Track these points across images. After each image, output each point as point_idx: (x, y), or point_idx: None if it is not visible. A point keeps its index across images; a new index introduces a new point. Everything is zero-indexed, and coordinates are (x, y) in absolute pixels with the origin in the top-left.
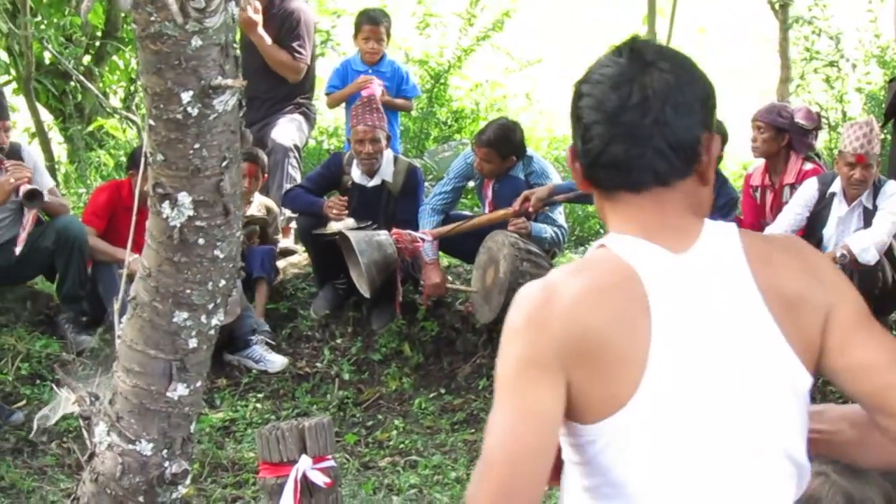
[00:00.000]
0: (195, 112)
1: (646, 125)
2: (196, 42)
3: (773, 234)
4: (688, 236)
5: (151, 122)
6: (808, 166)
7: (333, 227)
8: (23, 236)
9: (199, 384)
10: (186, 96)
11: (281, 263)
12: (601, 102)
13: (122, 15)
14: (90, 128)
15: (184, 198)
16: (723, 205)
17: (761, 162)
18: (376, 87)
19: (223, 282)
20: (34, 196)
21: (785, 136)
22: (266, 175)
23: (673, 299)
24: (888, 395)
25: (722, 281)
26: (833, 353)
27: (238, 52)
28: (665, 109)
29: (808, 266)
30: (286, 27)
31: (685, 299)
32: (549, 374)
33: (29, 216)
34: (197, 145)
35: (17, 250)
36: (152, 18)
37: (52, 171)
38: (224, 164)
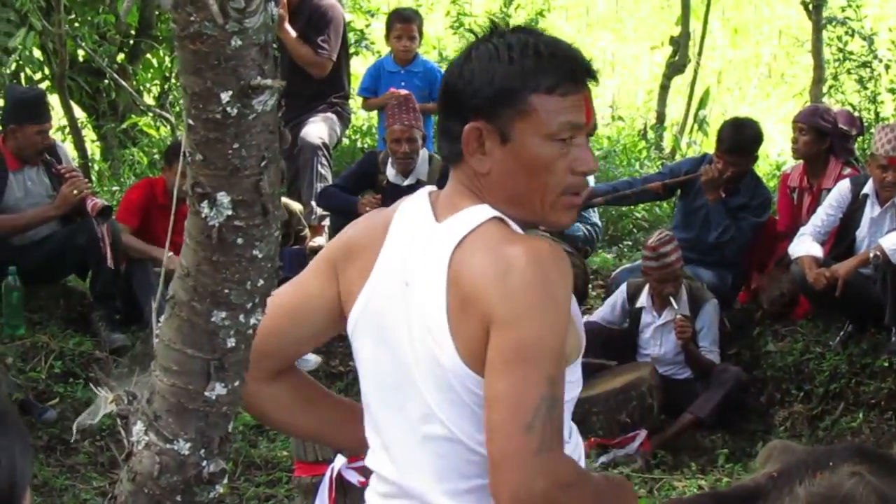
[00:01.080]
0: (234, 112)
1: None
2: (235, 42)
3: (511, 237)
4: (450, 211)
5: (190, 121)
6: (847, 171)
7: None
8: (108, 252)
9: (237, 384)
10: (226, 96)
11: None
12: None
13: (156, 13)
14: (124, 125)
15: (223, 197)
16: (757, 205)
17: (797, 162)
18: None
19: (261, 281)
20: (105, 212)
21: (826, 140)
22: (284, 177)
23: (397, 245)
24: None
25: (431, 254)
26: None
27: (277, 52)
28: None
29: (503, 277)
30: (313, 22)
31: (403, 250)
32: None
33: (102, 230)
34: (236, 145)
35: (110, 264)
36: (192, 18)
37: (86, 168)
38: (263, 163)
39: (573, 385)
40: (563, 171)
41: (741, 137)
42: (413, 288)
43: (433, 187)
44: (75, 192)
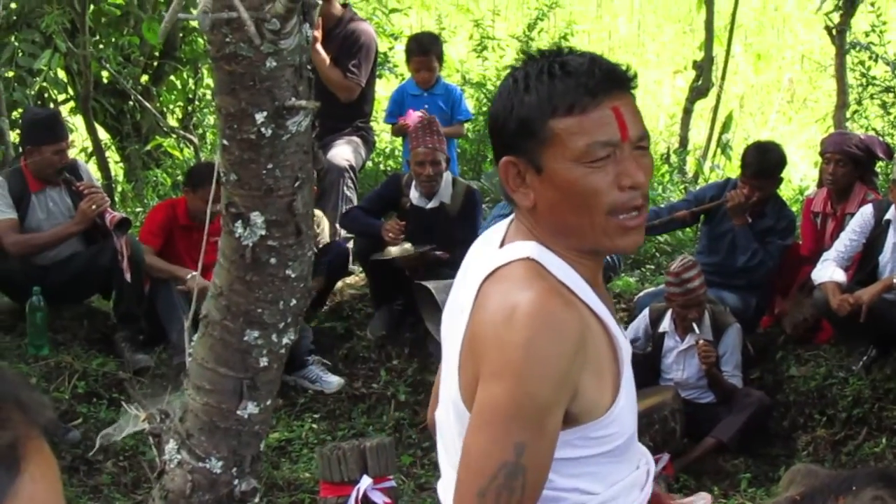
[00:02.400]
0: (269, 132)
1: None
2: (270, 63)
3: (526, 283)
4: (509, 242)
5: (225, 142)
6: (871, 197)
7: (391, 251)
8: (125, 264)
9: (269, 403)
10: (260, 117)
11: (338, 284)
12: None
13: (180, 35)
14: (147, 147)
15: (256, 217)
16: (783, 228)
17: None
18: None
19: (294, 301)
20: (123, 225)
21: (859, 168)
22: (316, 189)
23: (469, 264)
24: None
25: (473, 281)
26: None
27: (311, 73)
28: None
29: (500, 325)
30: (346, 46)
31: (469, 271)
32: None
33: (121, 243)
34: (270, 165)
35: (128, 277)
36: (227, 39)
37: (110, 189)
38: (296, 184)
39: (601, 441)
40: (607, 191)
41: (766, 161)
42: (455, 312)
43: None
44: (93, 206)
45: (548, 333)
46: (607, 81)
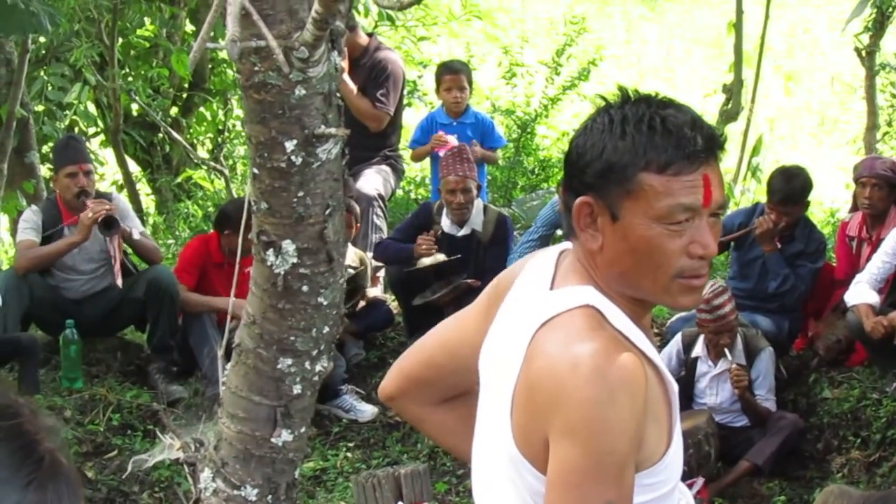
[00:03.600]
0: (299, 160)
1: None
2: (300, 91)
3: (589, 334)
4: (561, 283)
5: (255, 170)
6: None
7: (424, 262)
8: (116, 268)
9: (303, 430)
10: (290, 145)
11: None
12: None
13: (209, 66)
14: (178, 179)
15: (288, 245)
16: (813, 251)
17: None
18: (453, 142)
19: (327, 328)
20: (110, 224)
21: (894, 192)
22: (359, 224)
23: (515, 298)
24: None
25: (526, 323)
26: None
27: (340, 101)
28: None
29: (565, 380)
30: (373, 76)
31: (517, 307)
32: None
33: (113, 246)
34: (301, 193)
35: (119, 282)
36: (256, 68)
37: (141, 222)
38: (327, 211)
39: (653, 487)
40: (678, 255)
41: (792, 187)
42: (503, 354)
43: (569, 245)
44: (90, 214)
45: (619, 388)
46: (705, 149)
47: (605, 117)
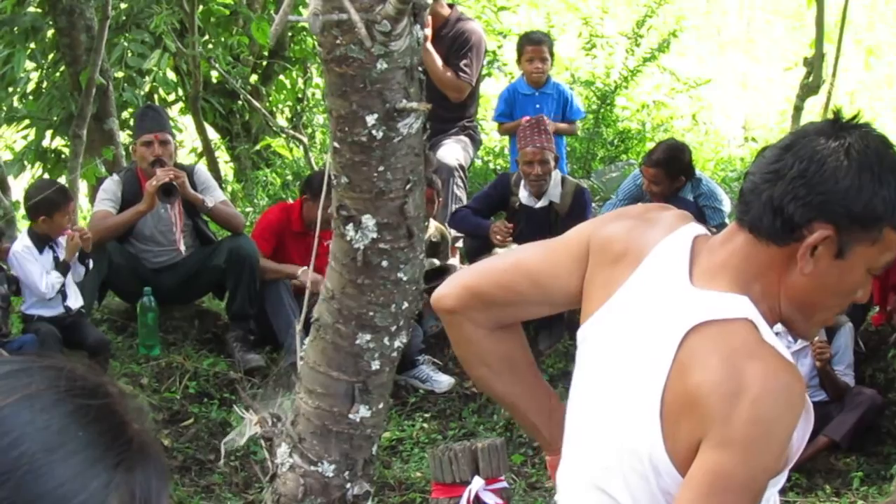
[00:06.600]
0: (380, 135)
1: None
2: (381, 65)
3: (756, 351)
4: (707, 281)
5: (336, 144)
6: None
7: (498, 252)
8: (177, 235)
9: (381, 406)
10: (371, 119)
11: None
12: None
13: (289, 34)
14: (257, 147)
15: (367, 220)
16: None
17: None
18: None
19: (406, 304)
20: (169, 191)
21: None
22: (441, 199)
23: (644, 282)
24: None
25: (669, 322)
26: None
27: (422, 74)
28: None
29: (732, 398)
30: (456, 46)
31: (648, 294)
32: None
33: (174, 213)
34: (381, 168)
35: (182, 249)
36: (338, 41)
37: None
38: (408, 186)
39: (774, 483)
40: (849, 298)
41: None
42: (640, 344)
43: (701, 229)
44: (154, 182)
45: (786, 409)
46: None
47: (867, 151)
